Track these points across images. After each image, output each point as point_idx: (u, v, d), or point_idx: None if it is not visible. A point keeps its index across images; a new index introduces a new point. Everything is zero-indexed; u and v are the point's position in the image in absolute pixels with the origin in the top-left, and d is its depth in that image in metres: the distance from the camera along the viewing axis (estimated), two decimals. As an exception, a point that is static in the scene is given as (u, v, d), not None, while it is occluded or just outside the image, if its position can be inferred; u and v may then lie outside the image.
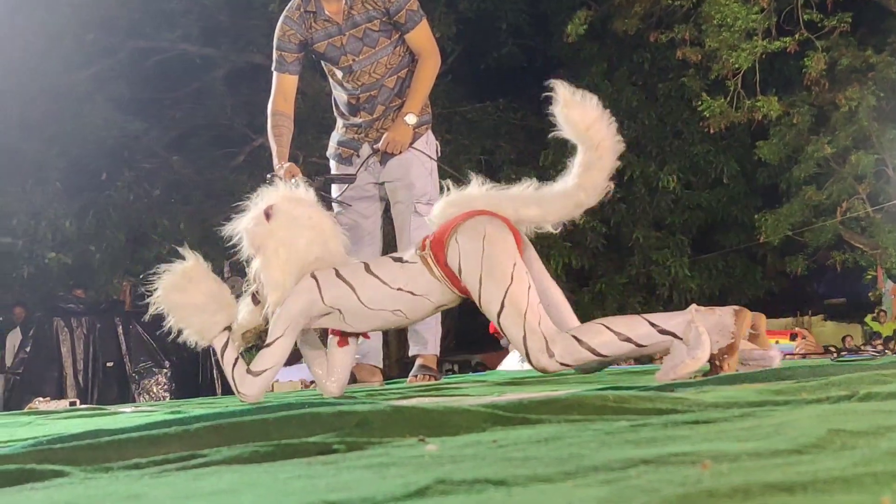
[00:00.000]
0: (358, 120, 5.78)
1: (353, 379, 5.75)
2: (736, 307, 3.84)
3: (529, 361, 3.89)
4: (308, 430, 2.16)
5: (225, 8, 17.76)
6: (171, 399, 9.99)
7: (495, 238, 3.96)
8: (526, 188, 4.07)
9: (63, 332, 11.16)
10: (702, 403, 2.43)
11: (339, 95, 5.87)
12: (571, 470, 1.51)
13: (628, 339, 3.80)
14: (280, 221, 4.39)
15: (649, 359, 6.69)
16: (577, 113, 3.93)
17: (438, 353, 5.81)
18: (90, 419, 3.96)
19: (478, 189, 4.12)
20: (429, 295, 4.17)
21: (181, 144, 19.21)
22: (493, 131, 21.43)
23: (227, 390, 9.06)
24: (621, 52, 21.25)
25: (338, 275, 4.30)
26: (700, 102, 18.88)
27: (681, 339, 3.74)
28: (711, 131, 19.08)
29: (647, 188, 21.90)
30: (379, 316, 4.27)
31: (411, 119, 5.58)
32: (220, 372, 13.64)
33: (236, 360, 4.38)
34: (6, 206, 17.89)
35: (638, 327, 3.83)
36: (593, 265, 22.53)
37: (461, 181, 4.49)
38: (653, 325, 3.81)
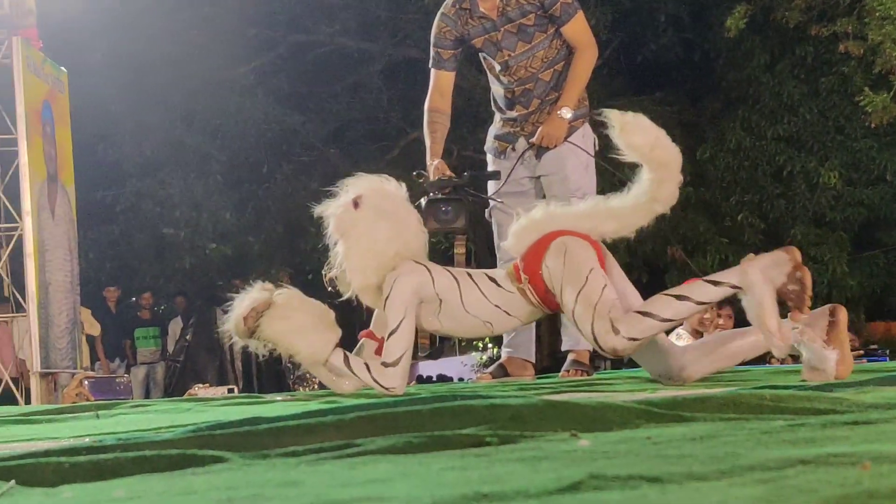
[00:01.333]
0: (514, 114, 5.77)
1: (504, 372, 5.75)
2: (787, 248, 4.00)
3: (600, 347, 4.01)
4: (461, 422, 2.17)
5: (383, 2, 17.90)
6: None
7: (575, 251, 4.09)
8: (598, 204, 4.20)
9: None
10: (861, 404, 2.38)
11: (496, 89, 5.87)
12: (727, 468, 1.49)
13: (686, 297, 3.95)
14: (366, 212, 4.51)
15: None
16: (639, 137, 4.05)
17: (591, 349, 5.78)
18: (248, 407, 4.04)
19: (545, 212, 4.24)
20: (521, 316, 4.34)
21: (338, 137, 19.40)
22: (649, 125, 21.08)
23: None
24: (783, 44, 20.81)
25: (446, 268, 4.43)
26: (862, 97, 18.41)
27: (739, 287, 3.86)
28: (874, 126, 18.58)
29: (807, 184, 21.42)
30: (472, 321, 4.38)
31: (566, 113, 5.55)
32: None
33: (365, 364, 4.39)
34: (169, 197, 18.32)
35: (693, 287, 3.99)
36: (751, 262, 22.10)
37: (617, 175, 4.49)
38: (710, 282, 3.97)
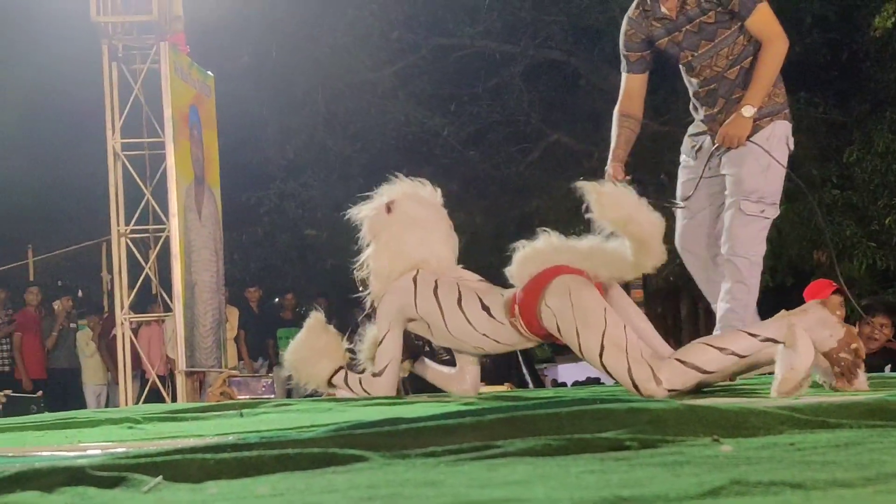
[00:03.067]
0: (702, 114, 5.65)
1: None
2: (816, 301, 3.99)
3: (638, 391, 3.93)
4: (600, 425, 2.16)
5: (526, 3, 17.87)
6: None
7: (580, 290, 4.10)
8: (599, 246, 4.20)
9: (364, 322, 11.50)
10: None
11: (690, 91, 5.73)
12: (872, 476, 1.46)
13: (731, 353, 3.88)
14: (398, 216, 4.71)
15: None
16: (613, 212, 4.02)
17: None
18: (388, 407, 4.07)
19: (547, 242, 4.31)
20: (511, 343, 4.48)
21: (478, 140, 19.44)
22: (794, 126, 20.75)
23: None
24: (933, 44, 20.28)
25: (434, 290, 4.57)
26: None
27: (780, 341, 3.77)
28: None
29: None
30: (460, 344, 4.60)
31: (748, 111, 5.33)
32: (528, 366, 13.90)
33: (358, 378, 4.81)
34: (311, 199, 18.57)
35: (738, 340, 3.92)
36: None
37: (794, 182, 4.46)
38: (752, 335, 3.89)
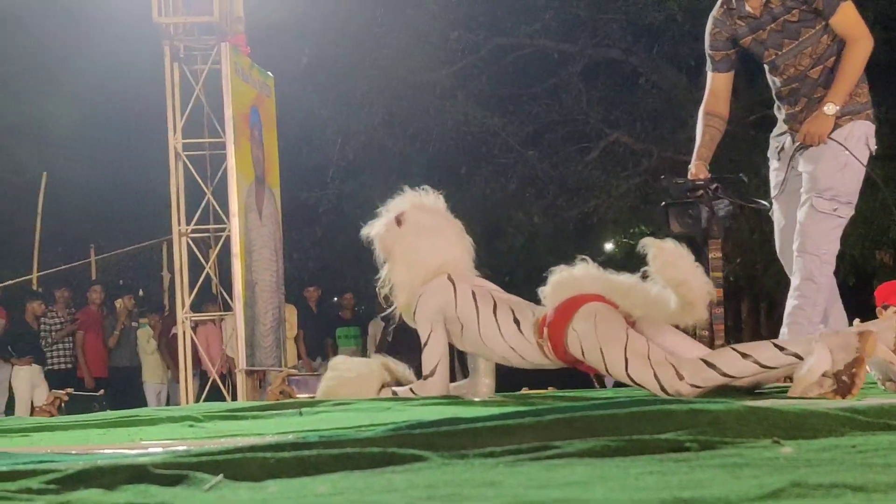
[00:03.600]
0: (784, 113, 5.62)
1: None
2: (861, 329, 3.94)
3: (666, 392, 4.05)
4: (659, 426, 2.15)
5: (583, 2, 17.81)
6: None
7: (604, 315, 4.25)
8: (638, 285, 4.28)
9: (389, 333, 11.73)
10: None
11: (774, 90, 5.70)
12: (936, 480, 1.44)
13: (754, 361, 4.00)
14: (409, 227, 4.82)
15: None
16: (670, 271, 4.10)
17: None
18: (446, 407, 4.08)
19: (585, 271, 4.42)
20: (534, 361, 4.57)
21: (537, 139, 19.39)
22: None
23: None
24: None
25: (473, 294, 4.66)
26: None
27: (803, 357, 3.90)
28: None
29: None
30: (488, 352, 4.68)
31: (830, 109, 5.30)
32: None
33: (411, 388, 4.82)
34: (370, 199, 18.61)
35: (763, 350, 4.05)
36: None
37: (871, 178, 4.48)
38: (778, 347, 4.04)
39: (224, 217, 10.58)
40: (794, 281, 5.40)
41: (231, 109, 10.28)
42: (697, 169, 5.47)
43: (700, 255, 4.45)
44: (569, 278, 4.40)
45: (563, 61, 18.84)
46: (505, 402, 4.31)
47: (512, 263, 18.81)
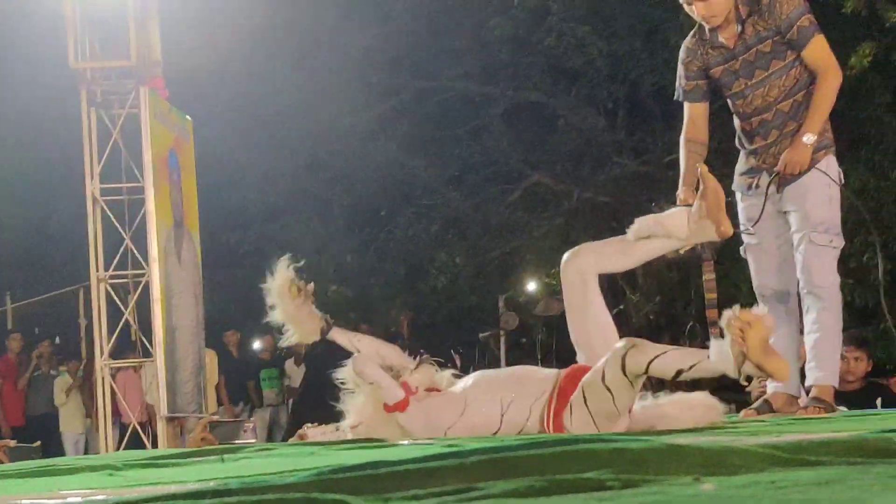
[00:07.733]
0: (754, 146, 5.64)
1: (770, 409, 5.56)
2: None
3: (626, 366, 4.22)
4: (583, 466, 2.15)
5: (506, 45, 17.95)
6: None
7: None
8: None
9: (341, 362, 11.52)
10: None
11: (737, 123, 5.72)
12: (855, 514, 1.46)
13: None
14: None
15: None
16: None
17: (835, 385, 5.51)
18: (369, 450, 4.05)
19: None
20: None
21: (459, 181, 19.50)
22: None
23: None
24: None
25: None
26: None
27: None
28: None
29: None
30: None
31: (809, 139, 5.35)
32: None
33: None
34: (290, 242, 18.57)
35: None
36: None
37: (860, 212, 4.58)
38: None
39: (143, 262, 10.48)
40: (810, 316, 5.42)
41: (150, 153, 10.21)
42: (686, 194, 5.47)
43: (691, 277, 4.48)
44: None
45: (485, 104, 18.98)
46: (430, 444, 4.30)
47: (434, 304, 18.83)
